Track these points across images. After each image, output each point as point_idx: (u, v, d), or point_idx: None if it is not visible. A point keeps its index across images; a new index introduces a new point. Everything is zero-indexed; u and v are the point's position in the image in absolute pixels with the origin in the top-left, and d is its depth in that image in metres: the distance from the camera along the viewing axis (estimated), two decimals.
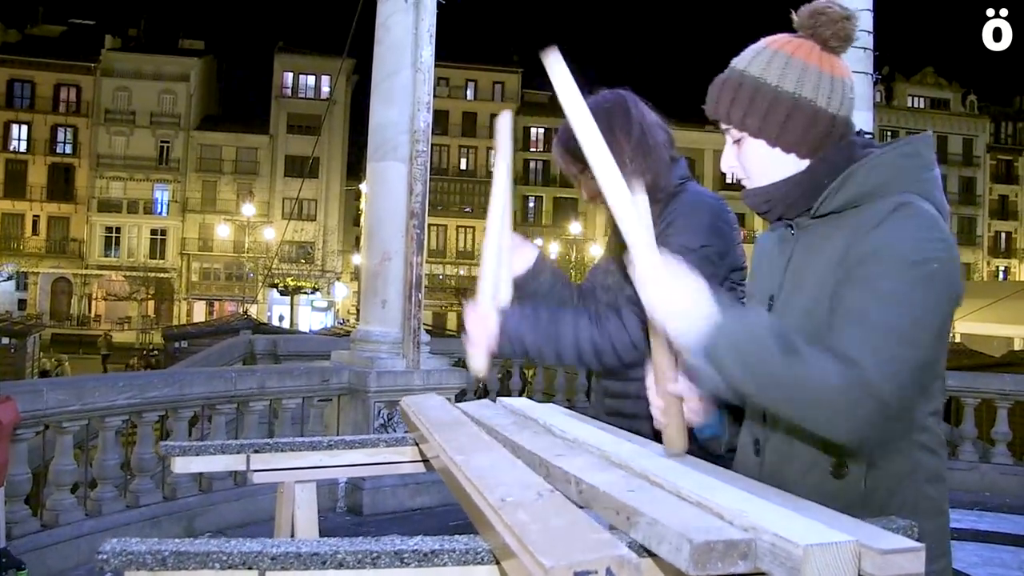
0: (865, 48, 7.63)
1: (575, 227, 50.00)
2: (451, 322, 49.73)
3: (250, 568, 1.30)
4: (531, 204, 56.24)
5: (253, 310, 45.40)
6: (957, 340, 18.35)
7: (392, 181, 6.79)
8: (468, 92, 57.17)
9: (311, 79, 54.41)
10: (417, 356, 6.73)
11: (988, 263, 58.73)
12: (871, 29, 7.62)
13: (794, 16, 1.64)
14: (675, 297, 1.51)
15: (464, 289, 48.00)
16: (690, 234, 2.13)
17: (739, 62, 1.65)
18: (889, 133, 56.84)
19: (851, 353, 1.42)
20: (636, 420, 2.12)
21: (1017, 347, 16.46)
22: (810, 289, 1.58)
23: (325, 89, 53.58)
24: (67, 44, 51.64)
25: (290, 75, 54.36)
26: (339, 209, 53.82)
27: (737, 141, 1.67)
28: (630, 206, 1.58)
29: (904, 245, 1.47)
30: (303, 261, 52.51)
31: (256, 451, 2.22)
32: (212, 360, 8.75)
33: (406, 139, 6.77)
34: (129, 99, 51.55)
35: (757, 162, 1.66)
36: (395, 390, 6.36)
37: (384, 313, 6.80)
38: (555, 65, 1.65)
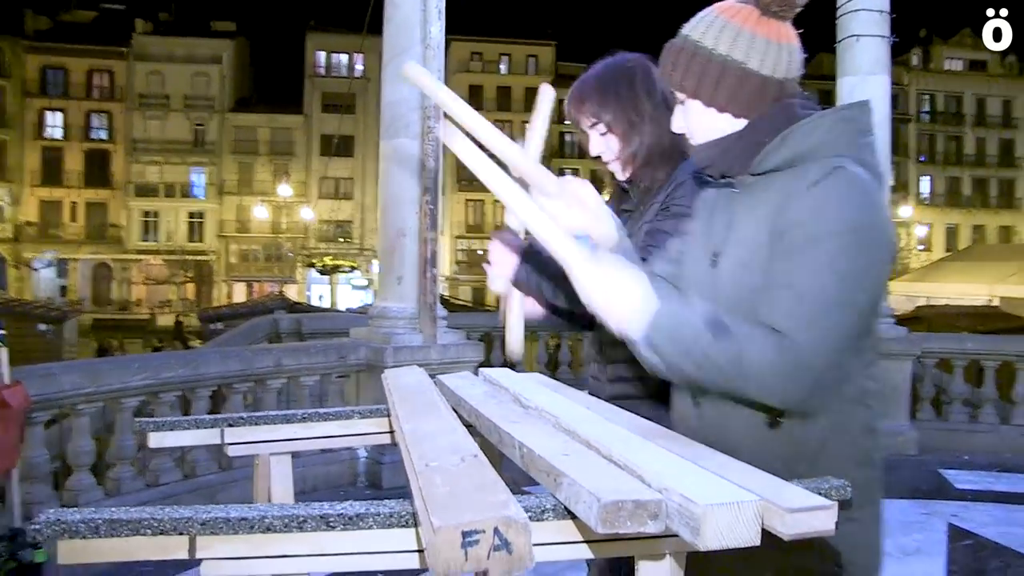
0: (880, 11, 7.52)
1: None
2: (490, 298, 49.85)
3: (181, 534, 1.34)
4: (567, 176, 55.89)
5: (293, 290, 45.89)
6: (995, 304, 18.05)
7: (404, 158, 6.81)
8: (502, 66, 56.86)
9: (344, 57, 54.44)
10: (434, 331, 6.78)
11: None
12: None
13: None
14: (614, 288, 1.58)
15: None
16: (695, 196, 2.15)
17: (685, 27, 1.72)
18: (928, 97, 55.84)
19: (780, 324, 1.50)
20: (640, 403, 2.13)
21: None
22: (747, 244, 1.64)
23: (358, 67, 53.61)
24: (98, 29, 51.88)
25: (323, 54, 54.42)
26: (376, 187, 53.94)
27: (682, 103, 1.74)
28: (541, 213, 1.65)
29: (834, 211, 1.53)
30: (341, 240, 52.80)
31: (230, 425, 2.28)
32: (237, 340, 8.85)
33: (417, 116, 6.77)
34: (162, 83, 51.93)
35: (697, 122, 1.73)
36: (412, 364, 6.41)
37: (400, 289, 6.85)
38: (419, 75, 1.73)
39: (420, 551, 1.36)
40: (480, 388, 2.19)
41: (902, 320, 8.46)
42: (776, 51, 1.65)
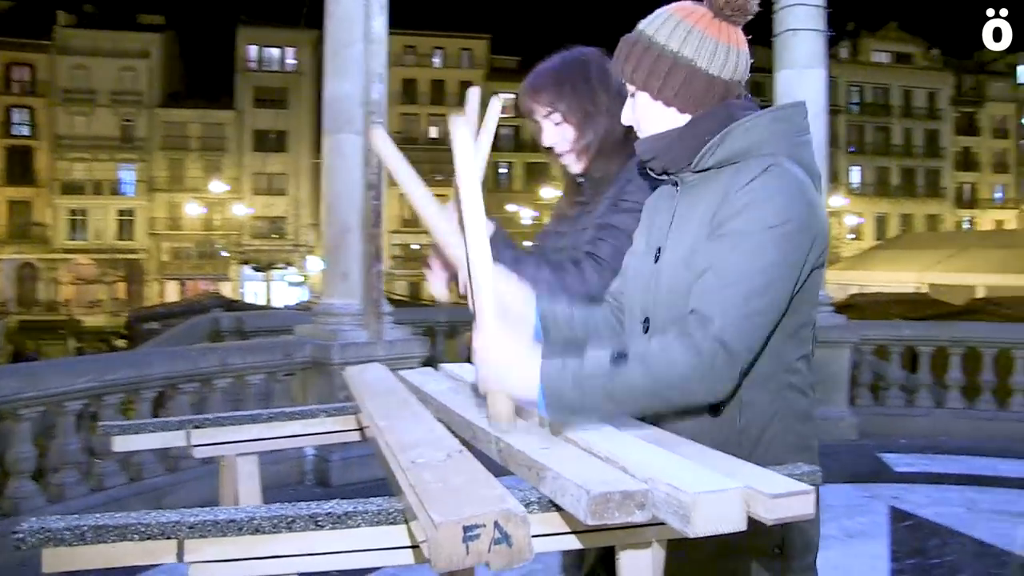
0: (817, 5, 7.67)
1: (547, 192, 49.73)
2: (426, 292, 49.70)
3: (169, 538, 1.33)
4: (502, 170, 55.90)
5: (227, 288, 45.20)
6: (924, 290, 18.62)
7: (348, 154, 6.77)
8: (436, 59, 56.67)
9: (276, 52, 53.68)
10: (380, 327, 6.77)
11: (954, 214, 59.43)
12: None
13: None
14: (504, 368, 1.62)
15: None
16: (645, 192, 2.18)
17: (641, 23, 1.78)
18: (856, 89, 57.21)
19: (705, 309, 1.56)
20: None
21: (980, 295, 16.71)
22: (688, 240, 1.69)
23: (291, 61, 52.96)
24: (16, 20, 49.54)
25: (254, 48, 53.53)
26: (310, 182, 53.41)
27: (633, 95, 1.80)
28: (489, 276, 1.66)
29: (766, 206, 1.59)
30: (275, 236, 52.16)
31: (196, 426, 2.25)
32: (177, 340, 8.71)
33: (361, 111, 6.74)
34: (88, 77, 50.34)
35: (644, 114, 1.79)
36: (358, 361, 6.31)
37: (346, 286, 6.81)
38: (461, 131, 1.71)
39: (409, 547, 1.37)
40: (445, 384, 2.20)
41: (837, 308, 8.68)
42: (725, 53, 1.71)
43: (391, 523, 1.37)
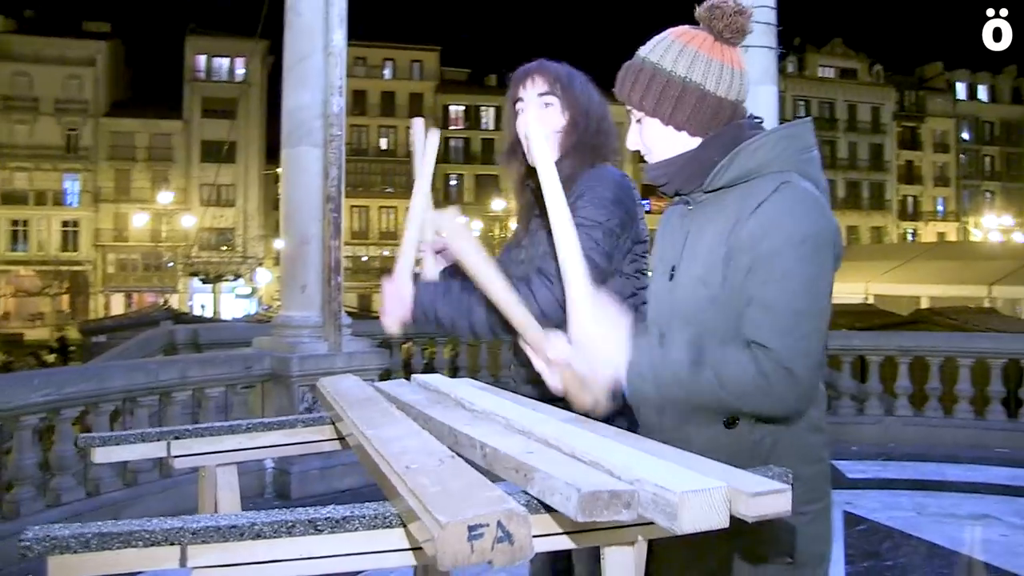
0: (768, 23, 7.83)
1: (497, 204, 49.88)
2: (376, 303, 49.50)
3: (172, 544, 1.36)
4: (452, 182, 55.95)
5: (174, 300, 44.55)
6: (870, 301, 18.98)
7: (307, 166, 6.79)
8: (386, 71, 56.63)
9: (225, 62, 53.13)
10: (339, 339, 6.77)
11: (898, 226, 60.72)
12: (774, 4, 7.83)
13: (696, 10, 1.80)
14: (600, 351, 1.69)
15: (389, 270, 47.53)
16: (596, 208, 2.24)
17: (642, 49, 1.82)
18: (802, 103, 58.27)
19: (762, 339, 1.61)
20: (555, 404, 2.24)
21: (923, 305, 17.09)
22: (703, 258, 1.74)
23: (240, 71, 52.51)
24: None
25: (203, 58, 52.95)
26: (259, 193, 52.91)
27: (639, 121, 1.83)
28: (578, 257, 1.72)
29: (786, 225, 1.63)
30: (224, 248, 51.55)
31: (176, 437, 2.28)
32: (131, 353, 8.58)
33: (320, 124, 6.76)
34: (30, 84, 49.25)
35: (654, 140, 1.83)
36: (318, 373, 6.37)
37: (304, 298, 6.82)
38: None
39: (407, 550, 1.42)
40: (421, 394, 2.25)
41: None
42: (730, 74, 1.76)
43: (387, 527, 1.42)
